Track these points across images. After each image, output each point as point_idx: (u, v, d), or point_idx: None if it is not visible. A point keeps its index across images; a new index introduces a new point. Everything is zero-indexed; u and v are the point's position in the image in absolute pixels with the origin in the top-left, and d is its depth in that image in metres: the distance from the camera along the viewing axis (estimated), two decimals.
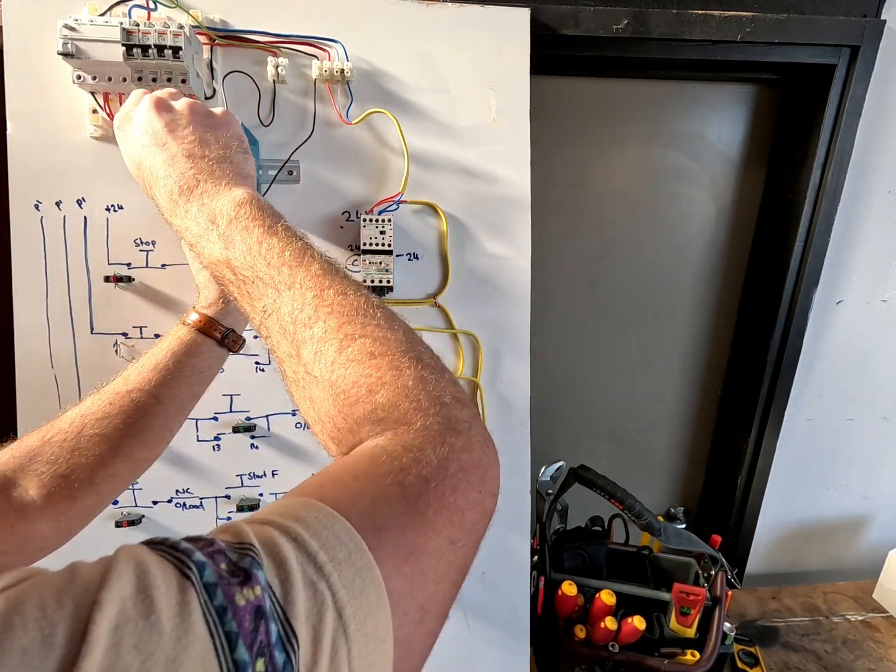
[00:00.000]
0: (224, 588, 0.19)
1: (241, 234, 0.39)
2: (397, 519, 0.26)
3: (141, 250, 0.65)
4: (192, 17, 0.61)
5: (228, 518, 0.72)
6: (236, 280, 0.39)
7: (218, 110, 0.50)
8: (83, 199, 0.64)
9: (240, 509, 0.71)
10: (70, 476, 0.46)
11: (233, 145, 0.47)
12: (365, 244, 0.66)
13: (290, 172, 0.66)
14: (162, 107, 0.47)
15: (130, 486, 0.69)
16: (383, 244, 0.66)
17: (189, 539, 0.21)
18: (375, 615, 0.23)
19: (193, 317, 0.55)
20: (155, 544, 0.21)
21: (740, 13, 0.76)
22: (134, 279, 0.65)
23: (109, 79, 0.55)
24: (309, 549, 0.22)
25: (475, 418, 0.33)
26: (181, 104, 0.48)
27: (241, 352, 0.59)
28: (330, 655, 0.21)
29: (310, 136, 0.66)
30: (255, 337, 0.68)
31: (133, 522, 0.69)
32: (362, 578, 0.23)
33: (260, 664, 0.19)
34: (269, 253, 0.37)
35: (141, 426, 0.50)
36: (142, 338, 0.67)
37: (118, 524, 0.68)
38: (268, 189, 0.65)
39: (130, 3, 0.58)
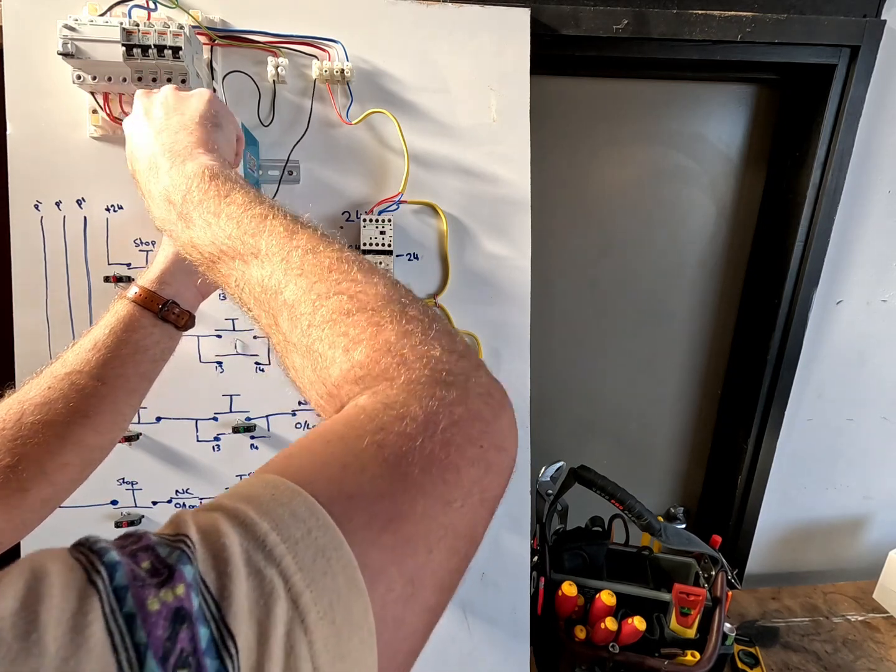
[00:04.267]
0: (135, 591, 0.17)
1: (197, 209, 0.36)
2: (373, 483, 0.23)
3: (141, 250, 0.65)
4: (192, 17, 0.61)
5: None
6: (204, 259, 0.36)
7: (195, 90, 0.49)
8: (83, 199, 0.64)
9: None
10: (18, 467, 0.43)
11: (196, 118, 0.45)
12: (365, 244, 0.66)
13: (290, 172, 0.66)
14: (146, 94, 0.48)
15: (130, 486, 0.69)
16: (383, 244, 0.66)
17: (120, 537, 0.19)
18: (347, 599, 0.20)
19: (132, 290, 0.52)
20: (78, 545, 0.19)
21: (740, 13, 0.76)
22: (134, 279, 0.65)
23: (109, 79, 0.55)
24: (257, 532, 0.20)
25: (475, 369, 0.29)
26: (162, 88, 0.48)
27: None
28: (285, 652, 0.18)
29: (304, 135, 0.66)
30: (255, 337, 0.68)
31: (133, 523, 0.69)
32: (326, 558, 0.20)
33: None
34: (227, 224, 0.34)
35: (86, 410, 0.46)
36: None
37: (118, 524, 0.68)
38: (276, 192, 0.66)
39: (130, 3, 0.58)
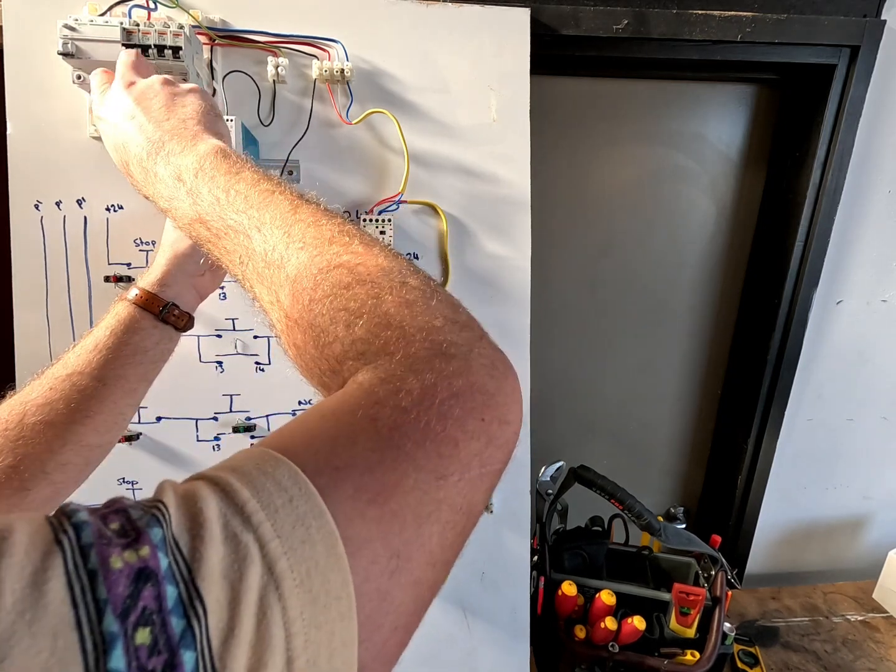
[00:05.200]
0: (100, 549, 0.17)
1: (208, 185, 0.37)
2: (363, 456, 0.23)
3: (141, 250, 0.65)
4: (192, 17, 0.61)
5: None
6: (210, 236, 0.37)
7: (185, 85, 0.49)
8: (83, 199, 0.64)
9: None
10: (20, 467, 0.43)
11: (200, 111, 0.45)
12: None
13: (290, 172, 0.66)
14: (130, 83, 0.47)
15: (130, 486, 0.69)
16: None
17: (103, 504, 0.20)
18: (325, 568, 0.20)
19: (133, 292, 0.52)
20: (56, 511, 0.19)
21: (740, 13, 0.76)
22: (134, 279, 0.65)
23: None
24: (237, 499, 0.20)
25: (479, 340, 0.29)
26: (150, 78, 0.47)
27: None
28: (256, 617, 0.18)
29: (304, 134, 0.66)
30: (255, 337, 0.68)
31: None
32: (306, 526, 0.20)
33: (143, 635, 0.16)
34: (235, 199, 0.35)
35: (86, 411, 0.47)
36: None
37: None
38: None
39: (130, 3, 0.58)
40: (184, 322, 0.54)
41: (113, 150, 0.46)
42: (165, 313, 0.52)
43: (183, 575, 0.18)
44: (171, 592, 0.17)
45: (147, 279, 0.53)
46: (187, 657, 0.16)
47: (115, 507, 0.19)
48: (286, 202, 0.34)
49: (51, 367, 0.49)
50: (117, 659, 0.15)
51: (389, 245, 0.35)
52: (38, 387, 0.47)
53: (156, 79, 0.47)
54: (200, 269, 0.56)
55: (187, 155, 0.39)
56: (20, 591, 0.15)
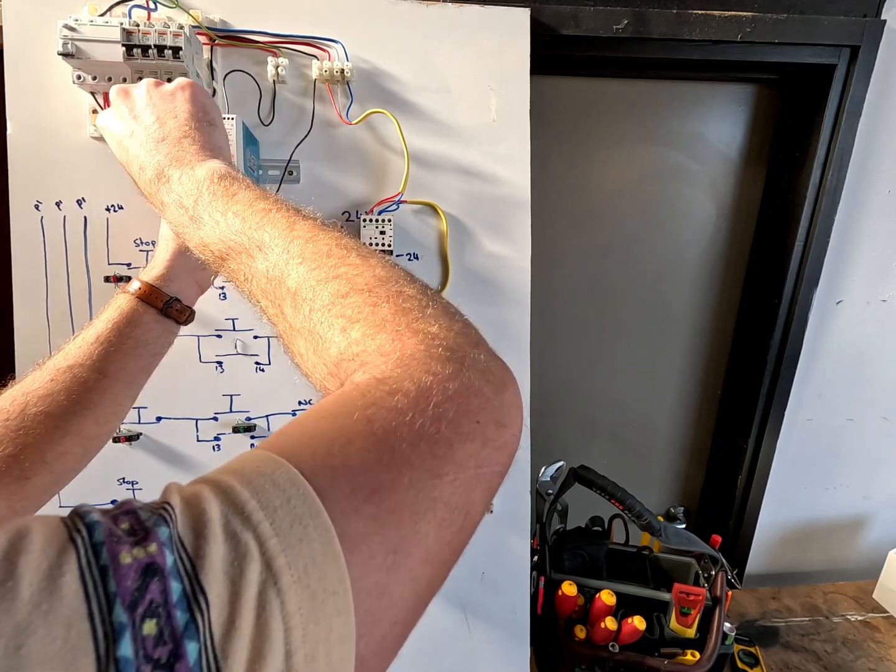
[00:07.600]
0: (110, 546, 0.18)
1: (207, 209, 0.38)
2: (359, 456, 0.24)
3: (141, 250, 0.65)
4: (192, 17, 0.61)
5: None
6: (215, 258, 0.38)
7: (174, 83, 0.48)
8: (83, 199, 0.64)
9: None
10: (20, 456, 0.44)
11: (192, 121, 0.45)
12: (365, 244, 0.66)
13: (291, 172, 0.66)
14: (124, 93, 0.47)
15: (130, 486, 0.69)
16: (383, 244, 0.66)
17: (113, 506, 0.21)
18: (321, 564, 0.20)
19: (135, 285, 0.52)
20: (70, 513, 0.20)
21: (740, 13, 0.76)
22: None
23: (109, 79, 0.55)
24: (237, 500, 0.21)
25: (475, 346, 0.30)
26: (139, 85, 0.47)
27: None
28: (255, 611, 0.19)
29: (307, 135, 0.66)
30: (255, 337, 0.68)
31: None
32: (303, 525, 0.21)
33: (149, 626, 0.17)
34: (233, 221, 0.36)
35: (87, 402, 0.48)
36: None
37: None
38: (277, 192, 0.65)
39: (130, 4, 0.58)
40: (185, 316, 0.55)
41: (123, 166, 0.46)
42: (168, 308, 0.53)
43: (187, 571, 0.18)
44: (175, 587, 0.18)
45: (150, 273, 0.53)
46: (191, 648, 0.17)
47: (125, 509, 0.20)
48: (283, 220, 0.35)
49: (52, 358, 0.49)
50: (125, 647, 0.16)
51: (387, 256, 0.36)
52: (39, 377, 0.47)
53: (144, 84, 0.47)
54: (202, 263, 0.56)
55: (185, 182, 0.40)
56: (37, 584, 0.16)
